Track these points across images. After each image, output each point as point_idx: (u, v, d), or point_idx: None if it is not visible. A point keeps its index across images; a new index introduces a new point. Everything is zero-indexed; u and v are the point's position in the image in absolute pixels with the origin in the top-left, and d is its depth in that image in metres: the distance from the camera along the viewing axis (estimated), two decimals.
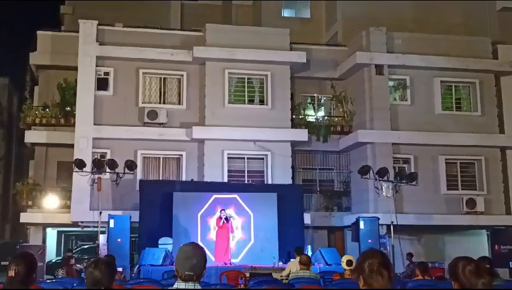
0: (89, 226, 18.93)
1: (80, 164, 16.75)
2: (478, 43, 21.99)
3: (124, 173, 17.09)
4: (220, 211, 16.71)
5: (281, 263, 16.19)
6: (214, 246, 16.18)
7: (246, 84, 20.69)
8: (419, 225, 19.62)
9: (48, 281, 11.62)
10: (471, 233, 21.26)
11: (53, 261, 21.82)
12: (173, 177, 19.80)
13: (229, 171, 19.68)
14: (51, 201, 19.59)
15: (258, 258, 16.17)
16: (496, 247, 20.56)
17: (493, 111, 21.65)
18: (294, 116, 20.98)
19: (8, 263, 4.08)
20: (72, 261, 18.48)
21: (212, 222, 16.92)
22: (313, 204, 20.77)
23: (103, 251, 16.15)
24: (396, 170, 19.42)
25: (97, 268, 3.79)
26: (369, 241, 16.92)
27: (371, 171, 17.55)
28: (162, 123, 19.59)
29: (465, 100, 21.92)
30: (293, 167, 20.37)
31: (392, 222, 17.04)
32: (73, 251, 22.41)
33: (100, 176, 16.72)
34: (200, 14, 26.36)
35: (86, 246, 24.57)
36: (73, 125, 19.29)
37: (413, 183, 18.25)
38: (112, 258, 8.25)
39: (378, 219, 17.77)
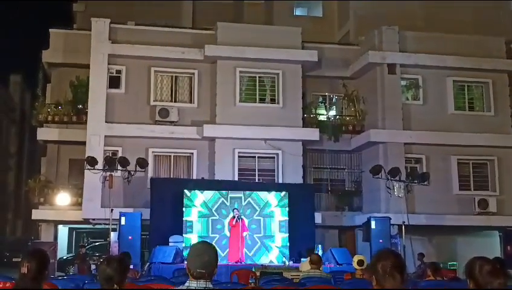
0: (100, 224, 19.01)
1: (92, 162, 16.82)
2: (491, 43, 21.78)
3: (135, 171, 17.14)
4: (233, 211, 16.86)
5: (291, 262, 16.23)
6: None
7: (257, 83, 20.65)
8: (430, 225, 19.49)
9: (60, 277, 11.66)
10: (483, 234, 21.09)
11: (64, 258, 21.94)
12: (184, 176, 19.83)
13: (239, 169, 19.67)
14: (62, 198, 19.67)
15: None
16: (509, 248, 20.37)
17: (506, 111, 21.47)
18: (305, 115, 20.91)
19: (20, 259, 4.09)
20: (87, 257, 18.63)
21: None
22: (323, 203, 20.72)
23: (114, 248, 16.20)
24: (408, 170, 19.31)
25: (110, 265, 3.80)
26: (380, 241, 16.86)
27: (383, 171, 17.48)
28: (173, 121, 19.63)
29: (477, 100, 21.75)
30: (304, 166, 20.31)
31: (404, 222, 16.96)
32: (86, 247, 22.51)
33: (111, 173, 16.78)
34: (211, 12, 26.36)
35: (97, 244, 24.68)
36: (85, 122, 19.36)
37: (425, 183, 18.13)
38: (125, 255, 8.24)
39: (390, 218, 17.70)
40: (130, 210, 17.41)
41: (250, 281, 11.10)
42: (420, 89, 21.18)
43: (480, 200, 20.06)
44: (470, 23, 24.26)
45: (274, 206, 17.79)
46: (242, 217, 16.91)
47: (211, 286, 3.51)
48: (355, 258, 11.54)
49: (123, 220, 16.26)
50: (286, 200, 17.82)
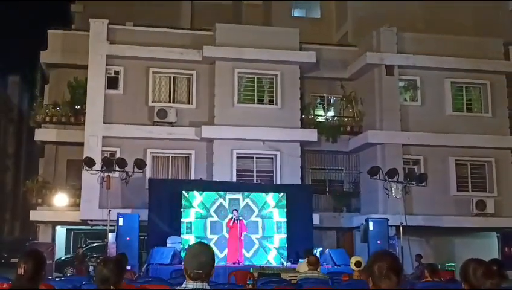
0: (98, 225, 19.00)
1: (90, 162, 16.81)
2: (490, 44, 21.82)
3: (133, 172, 17.14)
4: (233, 211, 16.87)
5: (289, 263, 16.21)
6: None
7: (255, 84, 20.66)
8: (428, 227, 19.50)
9: (57, 278, 11.65)
10: (481, 235, 21.11)
11: (62, 259, 21.90)
12: (182, 176, 19.82)
13: (237, 170, 19.67)
14: (60, 199, 19.66)
15: None
16: (506, 249, 20.41)
17: (504, 112, 21.50)
18: (303, 116, 20.92)
19: (17, 260, 4.09)
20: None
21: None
22: (322, 204, 20.72)
23: (112, 249, 16.19)
24: (406, 171, 19.32)
25: (106, 266, 3.80)
26: (378, 242, 16.87)
27: (381, 172, 17.50)
28: (172, 122, 19.62)
29: (476, 101, 21.77)
30: (302, 167, 20.32)
31: (401, 223, 16.97)
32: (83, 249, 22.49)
33: (109, 174, 16.77)
34: (210, 13, 26.35)
35: (95, 244, 24.64)
36: (83, 123, 19.35)
37: (423, 184, 18.17)
38: (122, 256, 8.24)
39: (388, 220, 17.70)
40: (128, 211, 17.39)
41: (247, 282, 11.10)
42: (418, 90, 21.20)
43: (478, 202, 20.08)
44: (470, 24, 24.29)
45: (272, 207, 17.78)
46: (240, 217, 16.90)
47: (207, 287, 3.50)
48: (353, 260, 11.54)
49: (121, 221, 16.24)
50: (284, 201, 17.81)
